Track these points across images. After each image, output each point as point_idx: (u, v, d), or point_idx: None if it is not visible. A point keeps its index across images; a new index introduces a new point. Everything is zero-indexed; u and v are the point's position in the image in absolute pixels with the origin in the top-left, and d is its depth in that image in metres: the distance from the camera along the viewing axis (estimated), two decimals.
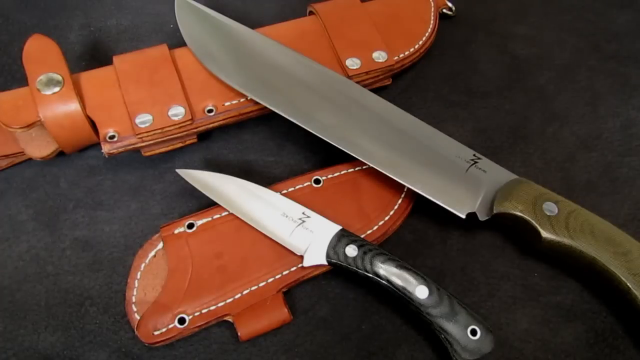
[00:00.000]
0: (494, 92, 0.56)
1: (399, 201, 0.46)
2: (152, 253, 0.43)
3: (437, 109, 0.55)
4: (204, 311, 0.41)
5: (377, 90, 0.53)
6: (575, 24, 0.62)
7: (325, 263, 0.41)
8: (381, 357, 0.42)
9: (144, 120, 0.46)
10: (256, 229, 0.43)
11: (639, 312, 0.40)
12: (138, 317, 0.40)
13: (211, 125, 0.48)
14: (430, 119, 0.49)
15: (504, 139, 0.53)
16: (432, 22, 0.57)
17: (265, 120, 0.53)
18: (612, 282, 0.41)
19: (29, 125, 0.45)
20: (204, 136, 0.52)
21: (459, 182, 0.44)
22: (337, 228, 0.42)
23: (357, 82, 0.51)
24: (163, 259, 0.43)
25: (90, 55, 0.57)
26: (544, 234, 0.42)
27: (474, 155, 0.46)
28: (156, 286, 0.42)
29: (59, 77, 0.45)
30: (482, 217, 0.43)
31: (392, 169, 0.44)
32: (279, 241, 0.43)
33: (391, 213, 0.46)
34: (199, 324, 0.40)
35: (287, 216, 0.43)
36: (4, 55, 0.56)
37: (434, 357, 0.42)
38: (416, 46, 0.55)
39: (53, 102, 0.44)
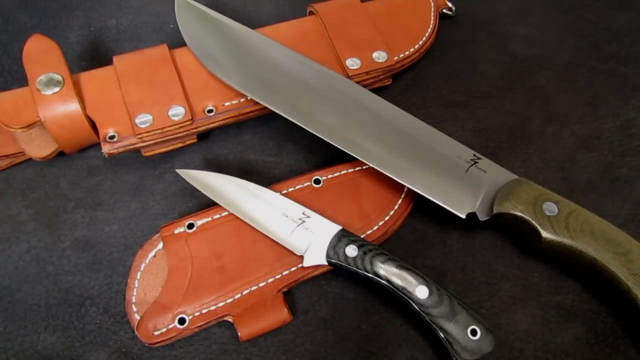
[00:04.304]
0: (494, 92, 0.56)
1: (399, 201, 0.46)
2: (152, 253, 0.43)
3: (437, 109, 0.55)
4: (204, 311, 0.41)
5: (377, 90, 0.53)
6: (575, 24, 0.62)
7: (325, 263, 0.41)
8: (381, 357, 0.42)
9: (144, 120, 0.46)
10: (256, 229, 0.43)
11: (639, 312, 0.40)
12: (138, 317, 0.40)
13: (211, 125, 0.48)
14: (430, 119, 0.49)
15: (504, 139, 0.53)
16: (432, 22, 0.57)
17: (265, 120, 0.53)
18: (612, 282, 0.41)
19: (29, 126, 0.45)
20: (204, 136, 0.52)
21: (459, 182, 0.44)
22: (337, 228, 0.42)
23: (357, 82, 0.51)
24: (163, 259, 0.43)
25: (90, 55, 0.57)
26: (544, 234, 0.42)
27: (474, 155, 0.46)
28: (156, 286, 0.42)
29: (59, 77, 0.45)
30: (482, 217, 0.44)
31: (392, 169, 0.44)
32: (279, 241, 0.43)
33: (391, 213, 0.46)
34: (199, 324, 0.40)
35: (287, 216, 0.43)
36: (4, 55, 0.56)
37: (434, 357, 0.42)
38: (416, 46, 0.55)
39: (53, 102, 0.44)
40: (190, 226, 0.43)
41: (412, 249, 0.47)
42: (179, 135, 0.47)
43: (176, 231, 0.43)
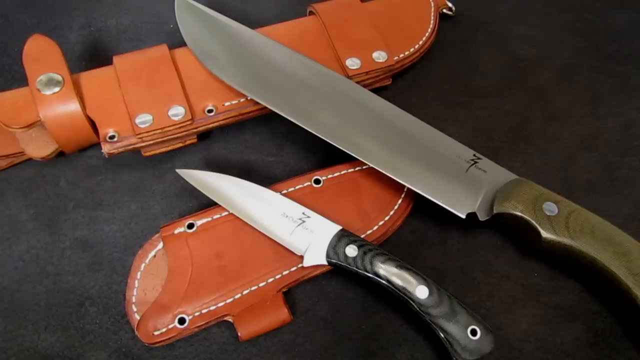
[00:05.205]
0: (494, 92, 0.56)
1: (399, 201, 0.46)
2: (152, 253, 0.43)
3: (437, 109, 0.55)
4: (204, 311, 0.41)
5: (377, 90, 0.53)
6: (575, 24, 0.62)
7: (325, 263, 0.41)
8: (381, 357, 0.42)
9: (144, 120, 0.46)
10: (256, 229, 0.43)
11: (639, 312, 0.40)
12: (138, 317, 0.40)
13: (211, 125, 0.48)
14: (430, 119, 0.49)
15: (504, 139, 0.53)
16: (432, 22, 0.57)
17: (265, 120, 0.53)
18: (612, 282, 0.41)
19: (29, 125, 0.45)
20: (204, 136, 0.52)
21: (459, 182, 0.44)
22: (337, 228, 0.42)
23: (357, 82, 0.51)
24: (163, 259, 0.43)
25: (90, 55, 0.57)
26: (544, 234, 0.42)
27: (474, 155, 0.46)
28: (156, 286, 0.42)
29: (59, 77, 0.45)
30: (482, 217, 0.43)
31: (392, 169, 0.44)
32: (279, 241, 0.43)
33: (391, 213, 0.46)
34: (199, 324, 0.40)
35: (287, 216, 0.43)
36: (4, 55, 0.56)
37: (434, 357, 0.42)
38: (416, 46, 0.55)
39: (53, 102, 0.44)
40: (190, 226, 0.43)
41: (412, 249, 0.47)
42: (179, 135, 0.47)
43: (176, 231, 0.43)
